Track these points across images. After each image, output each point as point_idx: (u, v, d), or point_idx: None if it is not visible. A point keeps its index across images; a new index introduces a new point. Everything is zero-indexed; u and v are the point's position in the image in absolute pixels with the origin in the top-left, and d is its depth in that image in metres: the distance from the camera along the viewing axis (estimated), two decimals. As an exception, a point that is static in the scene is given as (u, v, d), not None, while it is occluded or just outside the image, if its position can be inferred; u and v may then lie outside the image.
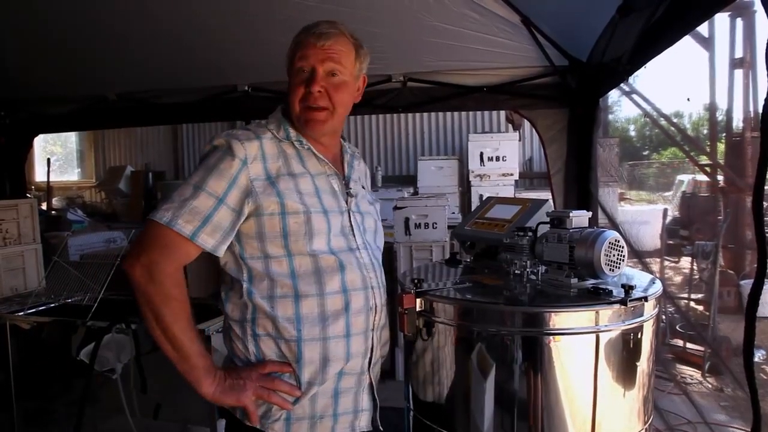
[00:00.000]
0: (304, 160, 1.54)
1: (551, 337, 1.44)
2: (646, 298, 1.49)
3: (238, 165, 1.43)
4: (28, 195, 5.32)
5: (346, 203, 1.57)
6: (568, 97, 3.20)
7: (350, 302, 1.49)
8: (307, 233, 1.46)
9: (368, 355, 1.56)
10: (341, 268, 1.49)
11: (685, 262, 7.30)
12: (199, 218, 1.39)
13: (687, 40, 7.45)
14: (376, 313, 1.55)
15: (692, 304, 6.54)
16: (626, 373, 1.51)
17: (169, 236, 1.38)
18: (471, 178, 7.41)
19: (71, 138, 12.72)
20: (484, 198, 2.48)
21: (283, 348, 1.47)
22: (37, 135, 4.69)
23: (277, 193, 1.45)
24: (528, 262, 1.67)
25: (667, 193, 14.61)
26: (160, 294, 1.38)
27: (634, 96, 7.22)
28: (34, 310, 2.97)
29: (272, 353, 1.48)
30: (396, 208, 4.64)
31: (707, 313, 5.91)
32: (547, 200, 1.99)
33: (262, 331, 1.47)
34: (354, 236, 1.56)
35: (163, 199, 1.44)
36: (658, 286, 1.60)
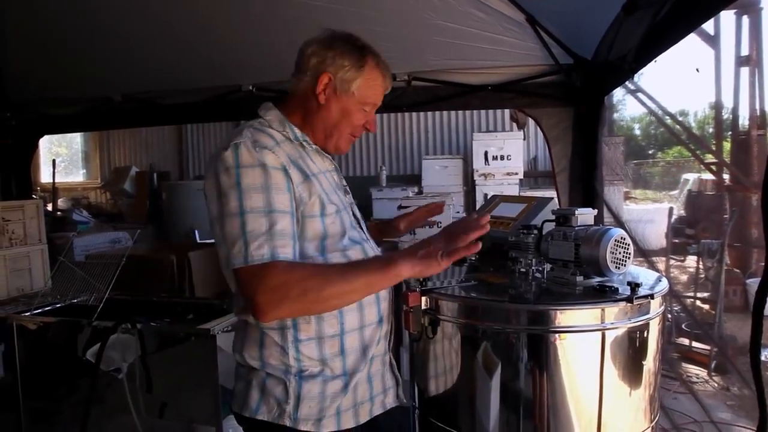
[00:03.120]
0: (313, 158, 1.56)
1: (557, 335, 1.44)
2: (652, 296, 1.48)
3: (283, 175, 1.42)
4: (33, 196, 5.34)
5: (345, 196, 1.65)
6: (572, 95, 3.19)
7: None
8: (340, 231, 1.52)
9: (389, 337, 1.65)
10: (366, 257, 1.57)
11: (691, 260, 7.25)
12: (289, 237, 1.39)
13: (693, 38, 7.41)
14: (392, 298, 1.64)
15: (698, 302, 6.52)
16: (632, 372, 1.50)
17: (272, 266, 1.34)
18: (475, 177, 7.39)
19: (76, 139, 12.76)
20: (488, 197, 2.47)
21: (326, 346, 1.50)
22: (42, 136, 4.71)
23: (313, 194, 1.47)
24: (533, 260, 1.67)
25: (672, 192, 14.54)
26: (303, 289, 1.35)
27: (639, 94, 7.20)
28: (40, 310, 2.98)
29: (315, 354, 1.50)
30: (401, 207, 4.65)
31: (713, 312, 5.89)
32: (552, 198, 1.98)
33: (304, 336, 1.48)
34: (361, 228, 1.64)
35: (240, 242, 1.35)
36: (664, 284, 1.60)
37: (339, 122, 1.56)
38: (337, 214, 1.52)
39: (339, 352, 1.51)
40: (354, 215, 1.64)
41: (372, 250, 1.63)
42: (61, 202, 9.58)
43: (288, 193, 1.41)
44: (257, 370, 1.52)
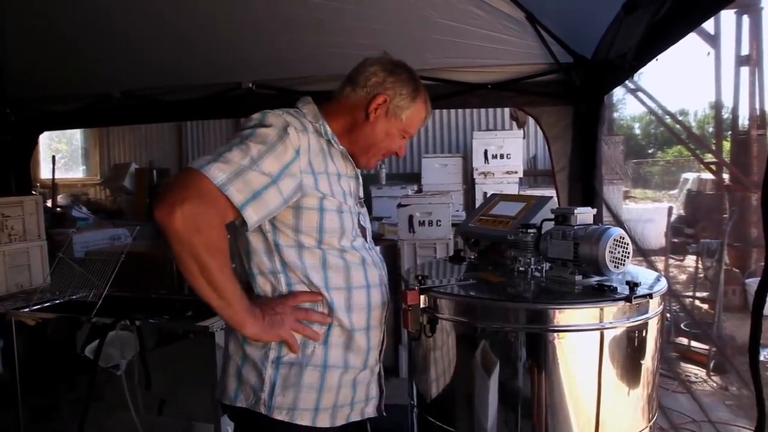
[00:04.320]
0: (334, 158, 1.57)
1: (555, 334, 1.44)
2: (650, 295, 1.48)
3: (293, 154, 1.43)
4: (33, 192, 5.32)
5: (356, 204, 1.65)
6: (572, 94, 3.18)
7: (372, 297, 1.58)
8: (338, 230, 1.52)
9: (380, 348, 1.65)
10: (363, 265, 1.57)
11: (690, 260, 7.26)
12: (250, 191, 1.36)
13: (693, 37, 7.41)
14: (387, 308, 1.64)
15: (697, 302, 6.51)
16: (631, 371, 1.50)
17: (216, 196, 1.33)
18: (475, 176, 7.39)
19: (76, 135, 12.74)
20: (488, 196, 2.47)
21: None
22: (42, 132, 4.70)
23: (318, 189, 1.48)
24: (532, 259, 1.67)
25: (672, 191, 14.56)
26: (207, 245, 1.33)
27: (639, 93, 7.20)
28: (39, 306, 2.98)
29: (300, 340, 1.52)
30: (400, 205, 4.64)
31: (712, 312, 5.89)
32: (552, 197, 1.98)
33: None
34: (365, 237, 1.66)
35: (212, 156, 1.36)
36: (663, 284, 1.60)
37: (380, 141, 1.63)
38: (338, 213, 1.52)
39: (322, 342, 1.53)
40: (360, 224, 1.64)
41: (371, 258, 1.62)
42: (60, 199, 9.55)
43: (281, 166, 1.41)
44: (235, 357, 1.55)
